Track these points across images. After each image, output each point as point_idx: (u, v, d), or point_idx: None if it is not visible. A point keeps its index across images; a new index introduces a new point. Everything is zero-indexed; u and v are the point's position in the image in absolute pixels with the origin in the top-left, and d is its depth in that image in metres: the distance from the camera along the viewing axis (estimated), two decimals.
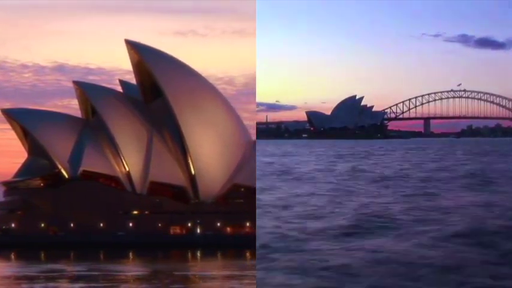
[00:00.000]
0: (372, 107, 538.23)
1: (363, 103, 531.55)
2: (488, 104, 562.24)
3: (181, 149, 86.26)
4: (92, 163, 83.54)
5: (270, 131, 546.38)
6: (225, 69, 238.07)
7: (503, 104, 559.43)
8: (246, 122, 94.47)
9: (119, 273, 58.27)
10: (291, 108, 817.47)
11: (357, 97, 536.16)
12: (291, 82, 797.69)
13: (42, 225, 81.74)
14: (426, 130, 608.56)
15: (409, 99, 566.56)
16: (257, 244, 43.83)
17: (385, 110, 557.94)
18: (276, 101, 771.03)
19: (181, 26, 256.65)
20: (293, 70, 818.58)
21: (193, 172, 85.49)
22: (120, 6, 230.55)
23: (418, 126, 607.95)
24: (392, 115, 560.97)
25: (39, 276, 55.17)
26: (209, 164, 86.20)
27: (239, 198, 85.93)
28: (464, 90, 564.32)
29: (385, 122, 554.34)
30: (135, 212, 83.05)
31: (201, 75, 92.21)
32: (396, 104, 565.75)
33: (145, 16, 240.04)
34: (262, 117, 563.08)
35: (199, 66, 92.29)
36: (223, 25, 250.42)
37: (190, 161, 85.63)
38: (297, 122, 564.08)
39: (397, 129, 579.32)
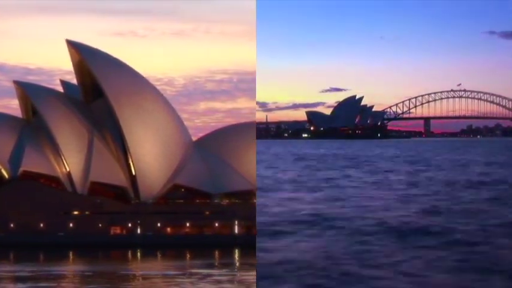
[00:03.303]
0: (372, 106, 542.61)
1: (362, 103, 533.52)
2: (488, 103, 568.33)
3: (122, 149, 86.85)
4: (32, 163, 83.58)
5: (267, 131, 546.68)
6: (164, 70, 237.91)
7: (503, 104, 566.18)
8: (186, 123, 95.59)
9: (60, 273, 59.01)
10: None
11: (357, 97, 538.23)
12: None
13: None
14: (426, 130, 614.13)
15: (409, 99, 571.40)
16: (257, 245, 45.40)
17: (385, 110, 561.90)
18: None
19: (121, 26, 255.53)
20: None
21: (134, 172, 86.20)
22: (59, 6, 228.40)
23: (418, 126, 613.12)
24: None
25: None
26: (150, 164, 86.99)
27: (179, 199, 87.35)
28: (465, 90, 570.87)
29: (385, 122, 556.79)
30: (76, 213, 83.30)
31: (142, 76, 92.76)
32: (396, 104, 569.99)
33: (84, 17, 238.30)
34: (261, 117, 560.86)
35: (139, 66, 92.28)
36: (163, 26, 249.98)
37: (131, 161, 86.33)
38: (296, 122, 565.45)
39: (397, 129, 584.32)
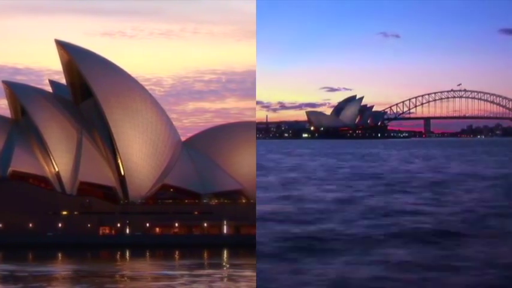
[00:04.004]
0: (372, 106, 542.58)
1: (363, 103, 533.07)
2: (489, 103, 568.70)
3: (111, 149, 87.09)
4: (21, 163, 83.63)
5: (267, 131, 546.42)
6: (152, 70, 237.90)
7: (504, 104, 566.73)
8: (175, 123, 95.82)
9: (49, 274, 59.22)
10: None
11: (357, 97, 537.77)
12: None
13: None
14: (426, 130, 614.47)
15: (409, 99, 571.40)
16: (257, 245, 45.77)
17: (385, 110, 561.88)
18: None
19: (109, 27, 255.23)
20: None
21: (123, 172, 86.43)
22: (47, 6, 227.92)
23: (419, 126, 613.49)
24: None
25: None
26: (139, 164, 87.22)
27: (168, 199, 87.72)
28: (465, 90, 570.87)
29: (386, 122, 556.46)
30: (65, 213, 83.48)
31: (131, 76, 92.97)
32: (396, 104, 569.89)
33: (72, 17, 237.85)
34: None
35: (128, 67, 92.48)
36: (151, 26, 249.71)
37: (120, 161, 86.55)
38: (297, 122, 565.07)
39: (397, 129, 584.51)
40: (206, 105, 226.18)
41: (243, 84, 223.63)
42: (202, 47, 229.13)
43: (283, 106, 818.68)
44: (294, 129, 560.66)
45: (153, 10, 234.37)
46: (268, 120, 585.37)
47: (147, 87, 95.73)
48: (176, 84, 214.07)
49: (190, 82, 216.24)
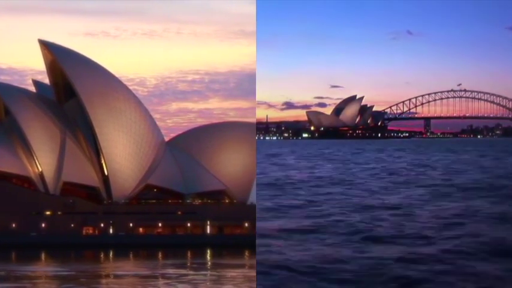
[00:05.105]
0: (372, 107, 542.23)
1: (363, 103, 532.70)
2: (489, 103, 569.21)
3: (94, 149, 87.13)
4: (4, 163, 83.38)
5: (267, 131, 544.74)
6: (136, 70, 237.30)
7: (504, 104, 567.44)
8: (158, 123, 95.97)
9: (33, 274, 59.32)
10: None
11: (357, 97, 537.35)
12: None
13: None
14: (426, 130, 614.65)
15: (409, 99, 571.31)
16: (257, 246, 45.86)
17: (385, 110, 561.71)
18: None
19: (92, 27, 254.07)
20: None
21: (106, 172, 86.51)
22: (29, 6, 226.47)
23: (419, 126, 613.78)
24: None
25: None
26: (122, 164, 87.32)
27: (152, 199, 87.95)
28: (465, 90, 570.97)
29: (386, 122, 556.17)
30: (48, 213, 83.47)
31: (114, 76, 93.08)
32: (396, 104, 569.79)
33: (55, 17, 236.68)
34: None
35: (111, 67, 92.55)
36: (134, 26, 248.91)
37: (103, 161, 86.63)
38: (297, 122, 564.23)
39: (397, 129, 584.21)
40: (189, 105, 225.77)
41: (226, 84, 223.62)
42: (186, 47, 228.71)
43: (290, 105, 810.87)
44: (294, 129, 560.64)
45: (136, 10, 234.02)
46: (269, 120, 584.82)
47: (130, 87, 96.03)
48: (159, 85, 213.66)
49: (173, 82, 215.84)
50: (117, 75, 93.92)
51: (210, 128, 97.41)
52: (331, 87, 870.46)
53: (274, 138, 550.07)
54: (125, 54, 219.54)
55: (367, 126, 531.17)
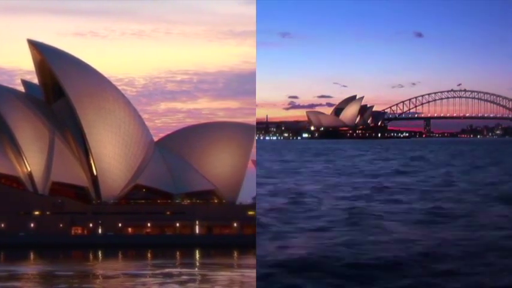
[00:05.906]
0: (372, 107, 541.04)
1: (363, 103, 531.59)
2: (489, 103, 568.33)
3: (83, 149, 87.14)
4: None
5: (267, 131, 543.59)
6: (125, 71, 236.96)
7: (504, 104, 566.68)
8: (147, 123, 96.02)
9: (21, 273, 59.33)
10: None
11: (357, 97, 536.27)
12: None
13: None
14: (427, 130, 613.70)
15: (409, 99, 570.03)
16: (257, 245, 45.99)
17: (385, 110, 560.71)
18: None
19: (81, 27, 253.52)
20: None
21: (95, 172, 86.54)
22: (18, 6, 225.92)
23: (419, 126, 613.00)
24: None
25: None
26: (111, 164, 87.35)
27: (140, 199, 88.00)
28: (465, 90, 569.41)
29: (386, 122, 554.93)
30: (37, 213, 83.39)
31: (103, 76, 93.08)
32: (396, 104, 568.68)
33: (44, 17, 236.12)
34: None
35: (100, 67, 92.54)
36: (123, 27, 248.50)
37: (92, 161, 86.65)
38: (297, 122, 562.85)
39: (397, 129, 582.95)
40: (178, 105, 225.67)
41: (215, 84, 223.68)
42: (175, 47, 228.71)
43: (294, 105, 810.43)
44: (294, 129, 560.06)
45: (125, 10, 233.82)
46: (268, 120, 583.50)
47: (119, 88, 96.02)
48: (148, 85, 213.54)
49: (162, 82, 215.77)
50: (106, 75, 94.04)
51: (198, 128, 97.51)
52: (341, 87, 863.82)
53: (274, 138, 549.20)
54: (114, 54, 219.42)
55: (367, 126, 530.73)
